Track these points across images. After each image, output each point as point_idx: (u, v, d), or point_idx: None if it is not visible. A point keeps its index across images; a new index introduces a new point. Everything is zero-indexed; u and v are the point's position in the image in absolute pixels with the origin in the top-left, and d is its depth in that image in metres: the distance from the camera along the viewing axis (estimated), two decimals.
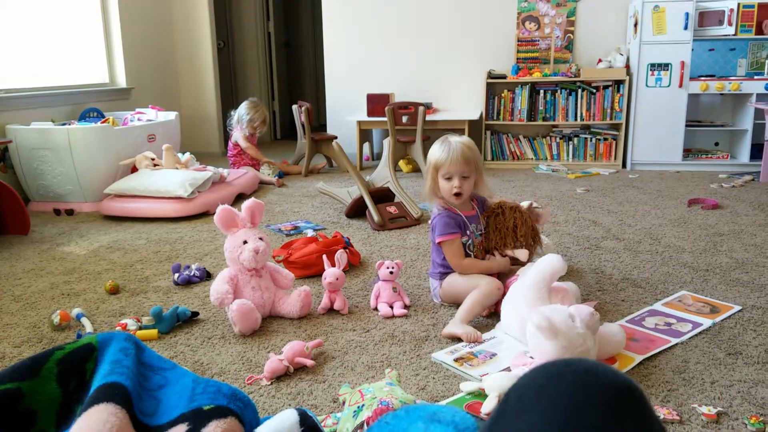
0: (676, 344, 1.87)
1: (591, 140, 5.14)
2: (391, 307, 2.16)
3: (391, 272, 2.21)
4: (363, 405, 1.40)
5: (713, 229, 3.17)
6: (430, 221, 2.25)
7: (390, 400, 1.39)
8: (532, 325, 1.61)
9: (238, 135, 4.78)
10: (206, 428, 1.08)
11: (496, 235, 2.19)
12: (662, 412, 1.51)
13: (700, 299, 2.23)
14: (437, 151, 2.16)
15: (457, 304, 2.10)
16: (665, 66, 4.74)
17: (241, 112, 4.78)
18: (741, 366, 1.74)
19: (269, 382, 1.71)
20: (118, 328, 2.03)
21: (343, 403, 1.52)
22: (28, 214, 3.35)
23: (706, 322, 2.02)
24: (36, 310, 2.28)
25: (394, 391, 1.46)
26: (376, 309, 2.18)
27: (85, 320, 2.12)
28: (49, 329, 2.09)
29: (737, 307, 2.14)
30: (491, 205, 2.25)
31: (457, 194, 2.12)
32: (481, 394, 1.59)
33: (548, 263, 1.81)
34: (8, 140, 3.78)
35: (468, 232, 2.18)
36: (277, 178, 4.60)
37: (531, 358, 1.72)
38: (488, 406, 1.52)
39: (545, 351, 1.60)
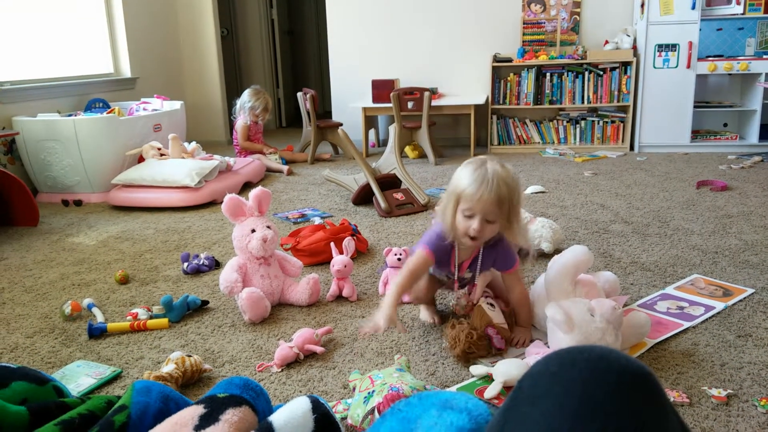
0: (689, 328, 1.87)
1: (598, 123, 5.11)
2: None
3: (399, 259, 2.21)
4: (373, 391, 1.41)
5: (722, 211, 3.16)
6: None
7: (400, 386, 1.40)
8: (548, 318, 1.61)
9: (239, 124, 4.78)
10: (224, 415, 1.09)
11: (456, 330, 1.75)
12: (672, 395, 1.51)
13: (712, 282, 2.22)
14: (467, 176, 1.65)
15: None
16: (673, 47, 4.69)
17: (243, 99, 4.77)
18: (751, 348, 1.74)
19: (280, 370, 1.72)
20: (129, 317, 2.05)
21: (354, 389, 1.53)
22: (37, 206, 3.37)
23: (719, 306, 2.01)
24: (47, 300, 2.30)
25: (404, 377, 1.47)
26: (384, 296, 2.19)
27: (96, 310, 2.13)
28: (61, 319, 2.11)
29: (750, 290, 2.13)
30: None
31: (473, 238, 1.69)
32: (490, 378, 1.59)
33: (572, 255, 1.77)
34: (15, 132, 3.79)
35: (446, 273, 1.86)
36: (287, 167, 4.59)
37: (548, 348, 1.72)
38: (492, 391, 1.53)
39: (561, 344, 1.60)
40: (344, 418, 1.43)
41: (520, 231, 1.72)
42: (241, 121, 4.77)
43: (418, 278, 1.80)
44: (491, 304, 1.81)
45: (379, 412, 1.35)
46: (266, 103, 4.78)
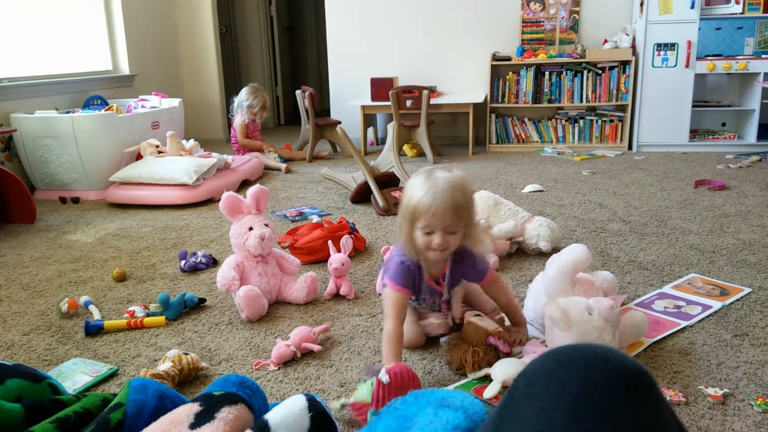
0: (686, 327, 1.87)
1: (597, 122, 5.11)
2: None
3: None
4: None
5: (720, 210, 3.16)
6: (384, 257, 1.91)
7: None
8: (546, 316, 1.61)
9: (237, 122, 4.77)
10: (219, 413, 1.09)
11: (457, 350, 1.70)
12: (668, 394, 1.51)
13: (709, 282, 2.22)
14: (418, 190, 1.56)
15: None
16: (672, 46, 4.69)
17: (241, 97, 4.77)
18: (747, 347, 1.74)
19: (277, 368, 1.72)
20: (125, 315, 2.05)
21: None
22: (34, 203, 3.36)
23: (716, 305, 2.01)
24: (44, 298, 2.30)
25: None
26: (381, 294, 2.19)
27: (92, 308, 2.13)
28: (57, 317, 2.11)
29: (747, 289, 2.13)
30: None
31: (438, 249, 1.59)
32: (488, 378, 1.59)
33: (571, 254, 1.76)
34: (13, 129, 3.78)
35: (420, 297, 1.77)
36: (285, 165, 4.59)
37: (545, 347, 1.71)
38: (491, 391, 1.52)
39: (559, 342, 1.59)
40: (344, 405, 1.43)
41: (479, 237, 1.65)
42: (239, 119, 4.77)
43: (404, 319, 1.68)
44: (478, 315, 1.77)
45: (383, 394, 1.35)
46: (264, 101, 4.77)
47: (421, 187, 1.56)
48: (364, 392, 1.40)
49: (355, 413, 1.41)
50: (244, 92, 4.77)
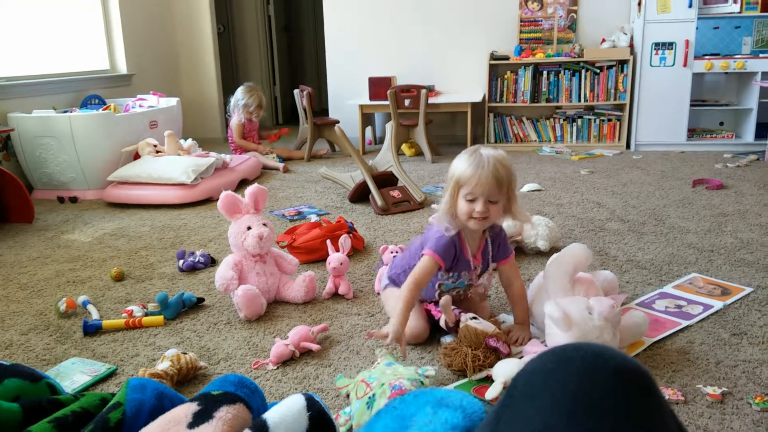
0: (687, 327, 1.87)
1: (595, 121, 5.11)
2: None
3: (395, 256, 2.21)
4: (374, 394, 1.37)
5: (718, 209, 3.16)
6: (425, 229, 1.96)
7: (400, 382, 1.37)
8: (547, 316, 1.60)
9: (233, 122, 4.77)
10: (218, 412, 1.09)
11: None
12: (667, 393, 1.51)
13: (711, 281, 2.22)
14: (463, 163, 1.70)
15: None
16: (669, 45, 4.69)
17: (237, 97, 4.76)
18: (746, 346, 1.74)
19: (275, 367, 1.72)
20: (124, 314, 2.04)
21: (347, 396, 1.48)
22: (32, 203, 3.36)
23: (717, 304, 2.01)
24: (42, 297, 2.29)
25: (397, 371, 1.44)
26: (379, 293, 2.19)
27: (91, 307, 2.13)
28: (56, 316, 2.10)
29: (749, 289, 2.13)
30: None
31: (478, 218, 1.70)
32: (488, 379, 1.59)
33: (571, 253, 1.77)
34: (10, 128, 3.77)
35: (454, 274, 1.84)
36: (283, 164, 4.58)
37: (545, 346, 1.71)
38: (493, 392, 1.51)
39: (559, 342, 1.59)
40: (350, 429, 1.40)
41: (519, 209, 1.77)
42: (236, 118, 4.76)
43: (424, 288, 1.78)
44: (474, 317, 1.75)
45: None
46: (260, 100, 4.76)
47: (466, 159, 1.70)
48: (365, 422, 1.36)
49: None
50: (239, 92, 4.76)
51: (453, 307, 1.79)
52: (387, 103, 4.66)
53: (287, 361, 1.74)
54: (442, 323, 1.79)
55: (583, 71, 5.00)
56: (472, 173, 1.66)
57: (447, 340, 1.79)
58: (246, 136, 4.82)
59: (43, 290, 2.37)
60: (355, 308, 2.10)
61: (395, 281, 1.95)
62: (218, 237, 2.96)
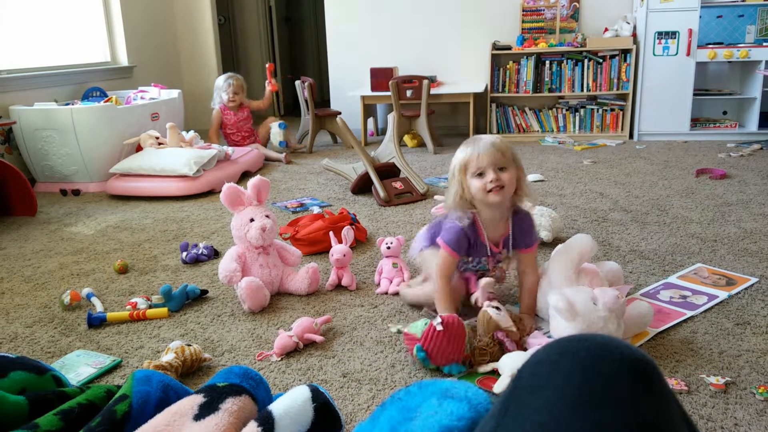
0: (691, 317, 1.87)
1: (597, 111, 5.09)
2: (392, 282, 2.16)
3: (389, 248, 2.22)
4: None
5: (721, 199, 3.15)
6: (436, 219, 1.98)
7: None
8: (551, 306, 1.60)
9: (214, 112, 4.76)
10: (224, 404, 1.09)
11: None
12: (671, 383, 1.52)
13: (716, 272, 2.22)
14: (462, 150, 1.77)
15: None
16: (672, 34, 4.66)
17: (216, 84, 4.75)
18: (749, 336, 1.74)
19: (279, 359, 1.72)
20: (128, 306, 2.05)
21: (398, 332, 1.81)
22: (35, 196, 3.36)
23: (722, 295, 2.01)
24: (46, 290, 2.30)
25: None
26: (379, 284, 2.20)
27: (95, 300, 2.13)
28: (60, 309, 2.11)
29: (754, 279, 2.13)
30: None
31: (494, 189, 1.71)
32: (494, 372, 1.59)
33: (576, 244, 1.77)
34: (12, 121, 3.77)
35: (474, 259, 1.88)
36: (284, 155, 4.57)
37: (550, 338, 1.71)
38: (500, 385, 1.51)
39: (563, 333, 1.59)
40: (399, 331, 1.75)
41: (529, 189, 1.81)
42: (216, 107, 4.73)
43: (451, 274, 1.86)
44: (497, 308, 1.73)
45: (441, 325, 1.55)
46: (235, 82, 4.66)
47: (464, 145, 1.78)
48: (418, 326, 1.61)
49: (406, 342, 1.66)
50: (218, 78, 4.77)
51: (490, 291, 1.85)
52: (389, 94, 4.65)
53: (291, 353, 1.75)
54: (472, 300, 1.84)
55: (586, 61, 4.97)
56: (473, 151, 1.73)
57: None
58: (233, 131, 4.72)
59: (47, 283, 2.37)
60: (358, 299, 2.10)
61: (432, 242, 1.94)
62: (221, 229, 2.96)
